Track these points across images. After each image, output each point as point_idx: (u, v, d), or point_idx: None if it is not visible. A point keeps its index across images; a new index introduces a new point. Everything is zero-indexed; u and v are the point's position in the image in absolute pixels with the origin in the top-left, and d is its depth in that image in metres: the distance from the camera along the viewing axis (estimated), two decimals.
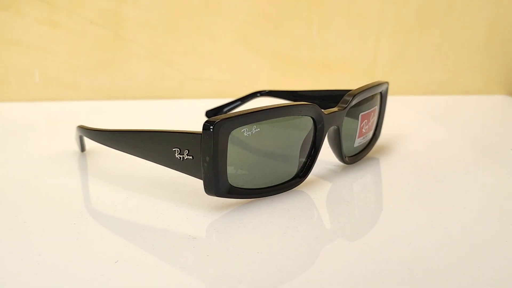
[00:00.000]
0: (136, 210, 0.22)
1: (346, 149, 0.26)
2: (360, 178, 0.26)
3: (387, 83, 0.29)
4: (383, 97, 0.29)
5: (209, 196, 0.21)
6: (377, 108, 0.29)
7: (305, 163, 0.24)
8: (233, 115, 0.20)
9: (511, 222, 0.21)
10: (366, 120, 0.27)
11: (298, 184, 0.24)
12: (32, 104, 0.48)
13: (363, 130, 0.27)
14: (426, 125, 0.40)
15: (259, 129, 0.21)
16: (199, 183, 0.21)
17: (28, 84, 0.49)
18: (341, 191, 0.24)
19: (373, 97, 0.28)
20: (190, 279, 0.16)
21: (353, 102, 0.25)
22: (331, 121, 0.24)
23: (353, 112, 0.26)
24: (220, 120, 0.19)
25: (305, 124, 0.23)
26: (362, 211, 0.22)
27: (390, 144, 0.32)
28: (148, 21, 0.49)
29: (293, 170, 0.24)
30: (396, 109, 0.47)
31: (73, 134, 0.31)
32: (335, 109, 0.24)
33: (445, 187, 0.25)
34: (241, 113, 0.20)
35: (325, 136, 0.24)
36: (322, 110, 0.23)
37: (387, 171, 0.28)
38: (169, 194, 0.23)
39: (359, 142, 0.28)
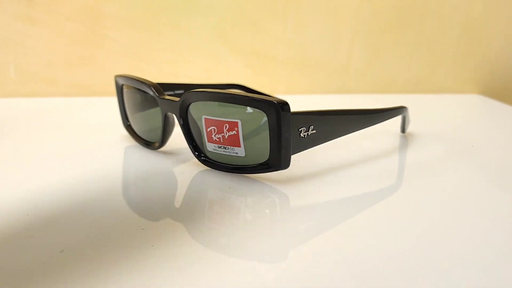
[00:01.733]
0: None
1: (201, 146, 0.27)
2: (309, 174, 0.27)
3: (281, 104, 0.22)
4: (280, 119, 0.23)
5: None
6: (249, 125, 0.24)
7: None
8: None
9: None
10: (214, 127, 0.25)
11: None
12: (8, 100, 0.48)
13: (213, 137, 0.25)
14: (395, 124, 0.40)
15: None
16: None
17: (4, 80, 0.50)
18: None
19: (234, 109, 0.24)
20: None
21: (188, 99, 0.26)
22: (165, 107, 0.27)
23: (196, 110, 0.26)
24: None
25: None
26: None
27: (354, 142, 0.33)
28: (126, 17, 0.49)
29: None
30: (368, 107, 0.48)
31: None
32: (172, 97, 0.27)
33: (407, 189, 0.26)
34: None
35: (163, 119, 0.28)
36: (158, 94, 0.27)
37: (346, 168, 0.28)
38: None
39: (213, 148, 0.26)
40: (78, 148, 0.31)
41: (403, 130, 0.34)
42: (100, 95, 0.50)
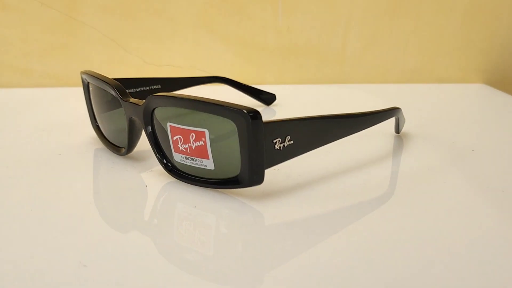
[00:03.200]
0: None
1: (169, 155, 0.24)
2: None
3: (251, 113, 0.19)
4: (250, 130, 0.20)
5: None
6: (219, 137, 0.22)
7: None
8: None
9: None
10: (180, 137, 0.22)
11: None
12: None
13: (180, 147, 0.22)
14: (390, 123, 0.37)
15: None
16: None
17: None
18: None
19: (201, 117, 0.21)
20: None
21: (151, 103, 0.23)
22: (129, 111, 0.24)
23: (161, 115, 0.23)
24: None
25: None
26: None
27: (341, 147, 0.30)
28: (104, 4, 0.46)
29: None
30: (363, 99, 0.45)
31: None
32: (136, 100, 0.24)
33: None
34: None
35: (128, 123, 0.25)
36: (121, 96, 0.25)
37: (329, 180, 0.26)
38: None
39: (181, 159, 0.23)
40: (40, 151, 0.28)
41: (397, 130, 0.31)
42: (76, 85, 0.47)
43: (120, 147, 0.27)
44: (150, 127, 0.24)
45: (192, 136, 0.22)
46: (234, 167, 0.21)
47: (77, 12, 0.46)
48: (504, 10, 0.49)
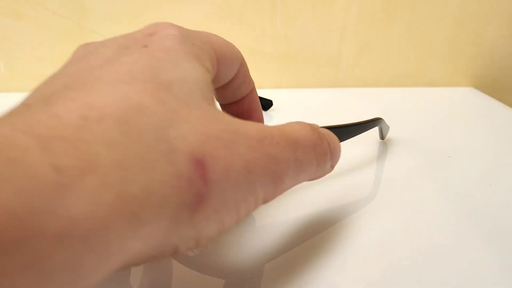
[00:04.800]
0: None
1: None
2: None
3: None
4: None
5: None
6: None
7: None
8: None
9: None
10: None
11: None
12: None
13: None
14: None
15: None
16: None
17: None
18: None
19: None
20: None
21: None
22: None
23: None
24: None
25: None
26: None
27: None
28: (112, 12, 0.49)
29: None
30: (354, 103, 0.48)
31: None
32: None
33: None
34: None
35: None
36: None
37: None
38: None
39: None
40: None
41: (382, 137, 0.34)
42: None
43: None
44: None
45: None
46: None
47: (87, 21, 0.49)
48: (493, 16, 0.51)
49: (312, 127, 0.17)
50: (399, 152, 0.33)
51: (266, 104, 0.43)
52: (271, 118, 0.42)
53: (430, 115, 0.43)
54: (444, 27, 0.51)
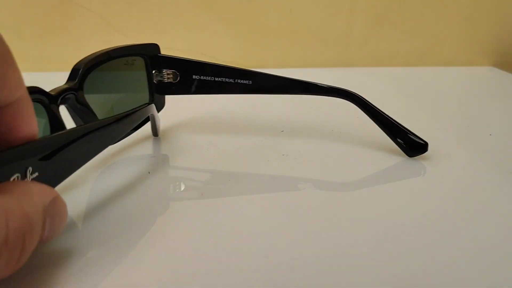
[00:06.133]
0: None
1: None
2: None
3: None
4: None
5: None
6: None
7: None
8: None
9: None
10: None
11: None
12: None
13: None
14: (398, 99, 0.36)
15: None
16: None
17: None
18: None
19: None
20: None
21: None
22: None
23: None
24: None
25: None
26: None
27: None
28: None
29: None
30: (367, 83, 0.43)
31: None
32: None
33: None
34: None
35: None
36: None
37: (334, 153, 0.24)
38: None
39: None
40: None
41: (155, 133, 0.28)
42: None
43: None
44: None
45: None
46: None
47: None
48: None
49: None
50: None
51: None
52: (270, 104, 0.37)
53: (451, 93, 0.39)
54: (463, 2, 0.47)
